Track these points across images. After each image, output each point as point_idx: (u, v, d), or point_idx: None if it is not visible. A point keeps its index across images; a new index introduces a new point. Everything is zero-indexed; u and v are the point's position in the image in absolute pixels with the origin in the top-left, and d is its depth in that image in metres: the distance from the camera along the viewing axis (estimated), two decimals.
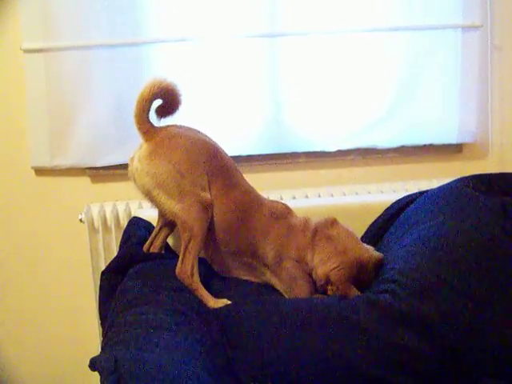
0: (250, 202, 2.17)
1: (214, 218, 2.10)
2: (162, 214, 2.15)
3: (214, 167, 2.10)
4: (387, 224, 2.39)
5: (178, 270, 2.01)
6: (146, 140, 2.06)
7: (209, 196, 2.06)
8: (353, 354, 1.77)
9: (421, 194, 2.42)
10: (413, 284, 1.88)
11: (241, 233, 2.14)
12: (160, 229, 2.23)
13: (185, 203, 2.01)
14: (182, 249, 2.02)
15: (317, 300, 1.96)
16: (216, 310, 1.94)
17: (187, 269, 1.99)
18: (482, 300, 1.84)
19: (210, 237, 2.11)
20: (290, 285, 2.10)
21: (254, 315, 1.88)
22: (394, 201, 2.50)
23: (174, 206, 2.02)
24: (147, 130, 2.07)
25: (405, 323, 1.81)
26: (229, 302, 1.97)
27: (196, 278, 2.00)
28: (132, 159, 2.09)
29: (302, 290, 2.08)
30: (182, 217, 2.01)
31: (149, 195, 2.06)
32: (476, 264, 1.91)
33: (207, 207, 2.05)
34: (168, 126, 2.13)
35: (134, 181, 2.09)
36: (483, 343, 1.79)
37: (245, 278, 2.18)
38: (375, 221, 2.47)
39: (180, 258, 2.02)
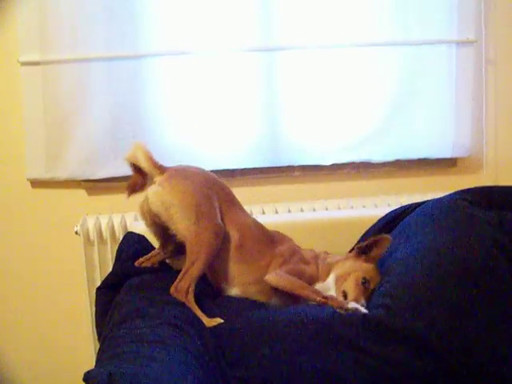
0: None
1: (241, 235, 2.15)
2: (169, 236, 2.12)
3: (225, 198, 2.18)
4: (381, 233, 2.38)
5: (172, 288, 2.00)
6: (160, 173, 2.10)
7: (221, 224, 2.09)
8: (347, 371, 1.76)
9: (417, 205, 2.41)
10: (408, 299, 1.88)
11: (263, 239, 2.22)
12: (159, 253, 2.25)
13: (199, 226, 2.02)
14: (183, 269, 2.02)
15: (311, 314, 1.95)
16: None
17: (183, 288, 1.99)
18: (477, 317, 1.84)
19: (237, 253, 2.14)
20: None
21: (248, 331, 1.87)
22: None
23: (188, 227, 2.02)
24: (159, 166, 2.12)
25: (399, 340, 1.80)
26: (221, 321, 1.96)
27: (190, 297, 1.99)
28: (147, 192, 2.11)
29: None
30: (192, 239, 2.02)
31: (164, 214, 2.05)
32: (471, 280, 1.90)
33: (219, 234, 2.06)
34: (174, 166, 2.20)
35: (150, 203, 2.08)
36: (477, 360, 1.78)
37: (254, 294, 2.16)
38: (368, 230, 2.45)
39: (178, 278, 2.01)
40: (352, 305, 1.94)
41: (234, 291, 2.14)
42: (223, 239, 2.10)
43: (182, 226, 2.03)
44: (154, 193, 2.08)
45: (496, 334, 1.82)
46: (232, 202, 2.22)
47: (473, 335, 1.80)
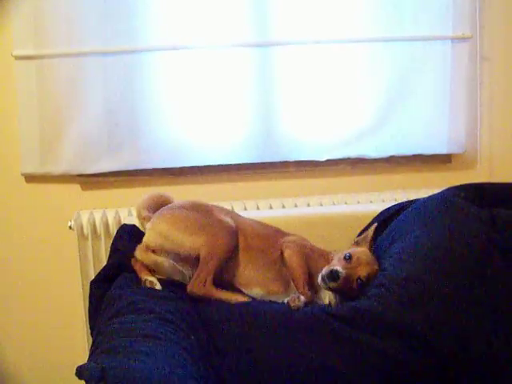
0: None
1: (244, 237, 2.18)
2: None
3: (217, 211, 2.24)
4: (377, 231, 2.39)
5: (189, 287, 2.03)
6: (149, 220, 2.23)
7: (230, 220, 2.15)
8: (340, 363, 1.77)
9: (411, 202, 2.42)
10: (401, 291, 1.89)
11: (270, 233, 2.25)
12: None
13: (207, 234, 2.08)
14: (197, 270, 2.04)
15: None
16: (203, 318, 1.94)
17: (201, 282, 2.02)
18: (470, 310, 1.85)
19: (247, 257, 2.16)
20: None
21: (239, 321, 1.89)
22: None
23: (195, 241, 2.08)
24: (147, 216, 2.26)
25: (393, 333, 1.82)
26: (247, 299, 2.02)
27: (208, 285, 2.02)
28: (144, 239, 2.19)
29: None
30: (206, 247, 2.06)
31: (166, 243, 2.11)
32: (464, 274, 1.92)
33: (230, 232, 2.12)
34: None
35: (149, 243, 2.15)
36: (471, 352, 1.80)
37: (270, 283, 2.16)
38: (365, 228, 2.46)
39: (193, 277, 2.04)
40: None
41: (256, 291, 2.14)
42: None
43: (189, 243, 2.09)
44: (148, 231, 2.18)
45: (490, 327, 1.83)
46: (225, 213, 2.26)
47: (467, 328, 1.82)
